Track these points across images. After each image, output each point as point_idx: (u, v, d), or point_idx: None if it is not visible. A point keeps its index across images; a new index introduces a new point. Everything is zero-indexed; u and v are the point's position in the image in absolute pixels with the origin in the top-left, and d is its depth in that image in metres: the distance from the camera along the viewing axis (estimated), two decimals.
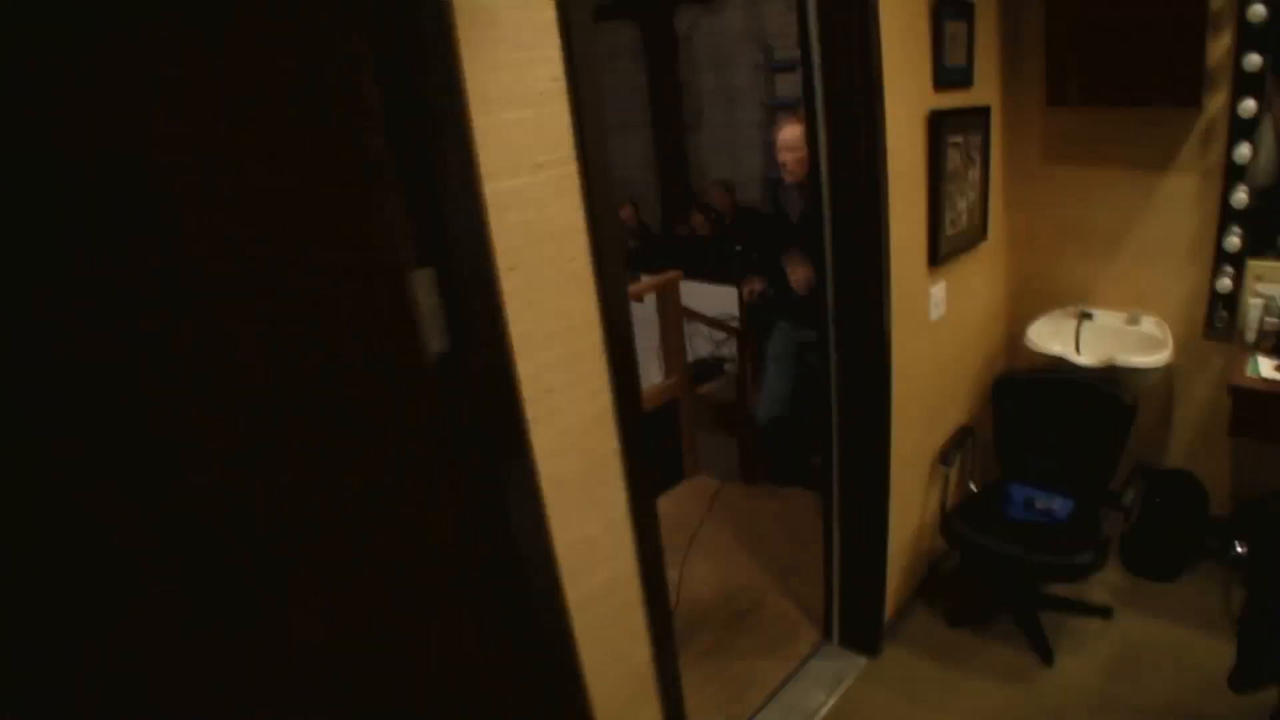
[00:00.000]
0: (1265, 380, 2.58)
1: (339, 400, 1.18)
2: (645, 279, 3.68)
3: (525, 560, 1.45)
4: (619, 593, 1.74)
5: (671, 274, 3.70)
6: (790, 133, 3.15)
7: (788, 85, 3.47)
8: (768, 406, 3.62)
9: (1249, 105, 2.73)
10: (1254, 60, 2.68)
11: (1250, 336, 2.83)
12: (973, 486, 3.02)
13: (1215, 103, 2.81)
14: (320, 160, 1.12)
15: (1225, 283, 2.90)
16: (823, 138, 2.27)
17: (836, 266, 2.37)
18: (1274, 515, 2.05)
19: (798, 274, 3.33)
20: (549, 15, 1.33)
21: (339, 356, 1.19)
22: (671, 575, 3.04)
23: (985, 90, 2.83)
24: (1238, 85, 2.74)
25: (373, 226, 1.19)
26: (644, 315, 3.54)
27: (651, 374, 3.70)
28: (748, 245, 3.92)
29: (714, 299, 4.07)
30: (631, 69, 6.28)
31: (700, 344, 4.16)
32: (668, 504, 3.68)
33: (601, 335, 1.54)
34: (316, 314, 1.15)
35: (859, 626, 2.78)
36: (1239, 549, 2.22)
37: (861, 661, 2.74)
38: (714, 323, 4.03)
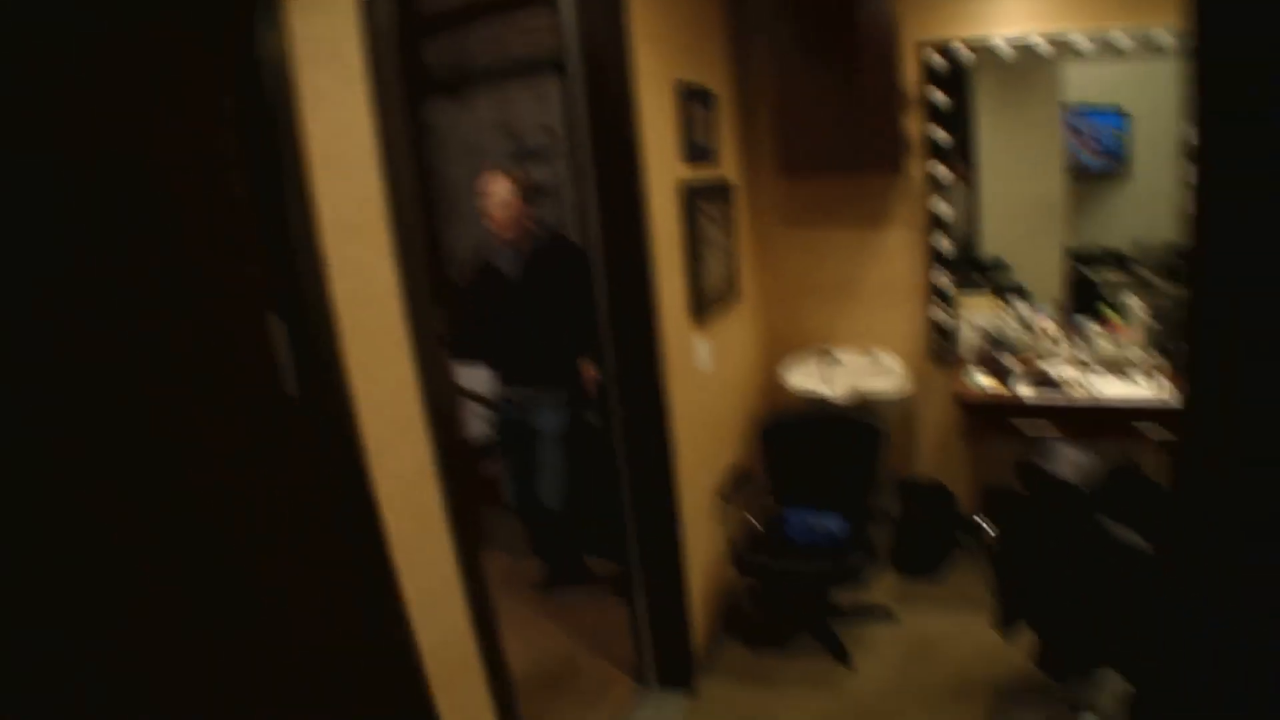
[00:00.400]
0: (983, 392, 3.06)
1: (190, 433, 1.21)
2: None
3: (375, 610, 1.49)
4: (455, 649, 1.78)
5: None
6: (494, 181, 3.06)
7: (537, 171, 3.70)
8: (548, 495, 3.35)
9: (939, 169, 3.29)
10: (938, 134, 3.26)
11: (966, 358, 3.34)
12: (754, 520, 3.23)
13: (915, 169, 3.34)
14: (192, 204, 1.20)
15: (941, 315, 3.42)
16: (595, 214, 2.50)
17: (614, 325, 2.57)
18: (1004, 494, 2.47)
19: (592, 372, 3.16)
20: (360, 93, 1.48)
21: (197, 389, 1.22)
22: None
23: (727, 165, 3.21)
24: (931, 154, 3.30)
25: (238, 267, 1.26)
26: None
27: None
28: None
29: (480, 379, 4.08)
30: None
31: (476, 425, 4.18)
32: None
33: (419, 392, 1.63)
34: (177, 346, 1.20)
35: (673, 666, 2.90)
36: (982, 524, 2.61)
37: (681, 700, 2.87)
38: (487, 401, 4.05)
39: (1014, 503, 2.32)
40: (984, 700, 2.66)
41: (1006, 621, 2.37)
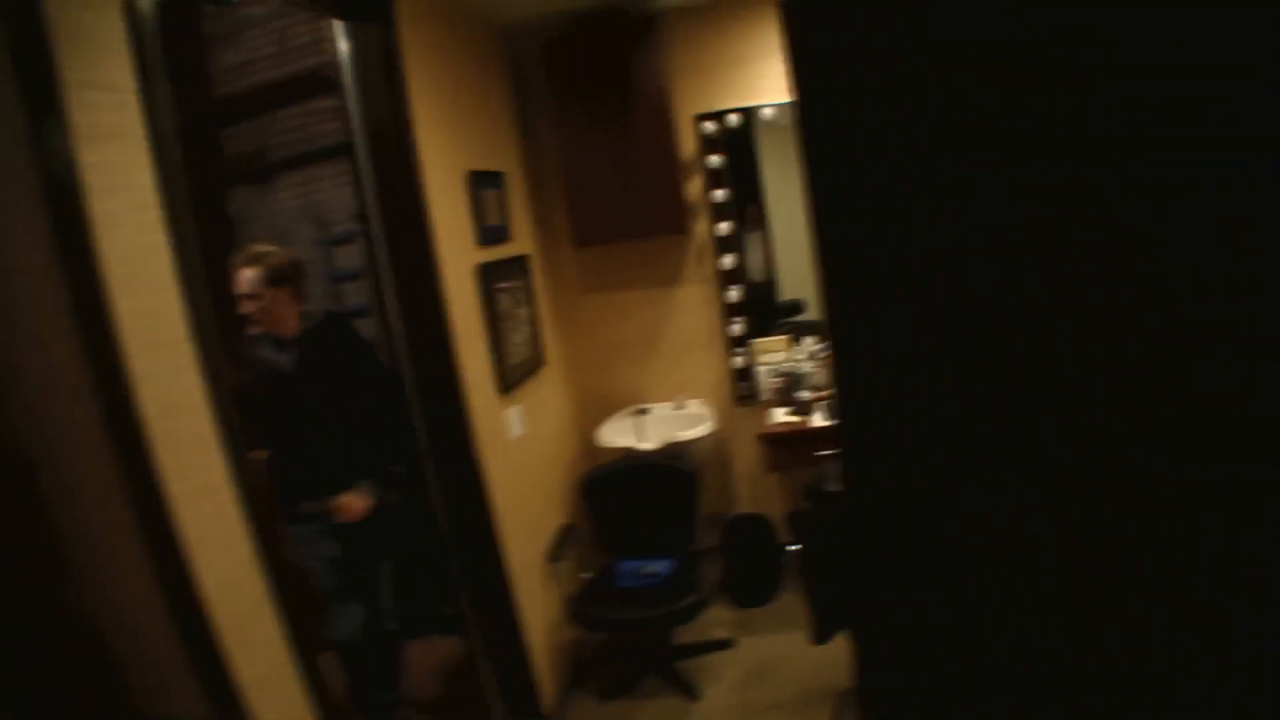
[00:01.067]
0: (782, 424, 3.33)
1: None
2: None
3: None
4: None
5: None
6: (238, 271, 2.71)
7: (346, 257, 3.76)
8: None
9: (723, 226, 3.58)
10: (718, 195, 3.56)
11: (766, 396, 3.62)
12: (586, 575, 3.35)
13: (700, 228, 3.64)
14: None
15: (739, 361, 3.70)
16: (394, 299, 2.61)
17: (422, 404, 2.66)
18: (800, 515, 2.70)
19: (354, 507, 2.75)
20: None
21: None
22: None
23: (522, 241, 3.39)
24: (715, 214, 3.59)
25: None
26: None
27: None
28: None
29: None
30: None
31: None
32: None
33: (234, 491, 1.65)
34: None
35: None
36: (792, 548, 2.83)
37: None
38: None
39: (806, 521, 2.55)
40: (826, 708, 2.85)
41: (823, 635, 2.57)
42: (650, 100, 3.39)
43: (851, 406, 1.05)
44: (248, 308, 2.72)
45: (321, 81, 3.52)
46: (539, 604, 3.07)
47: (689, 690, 3.08)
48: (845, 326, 1.04)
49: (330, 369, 2.82)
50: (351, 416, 2.80)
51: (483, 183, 3.01)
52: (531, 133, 3.62)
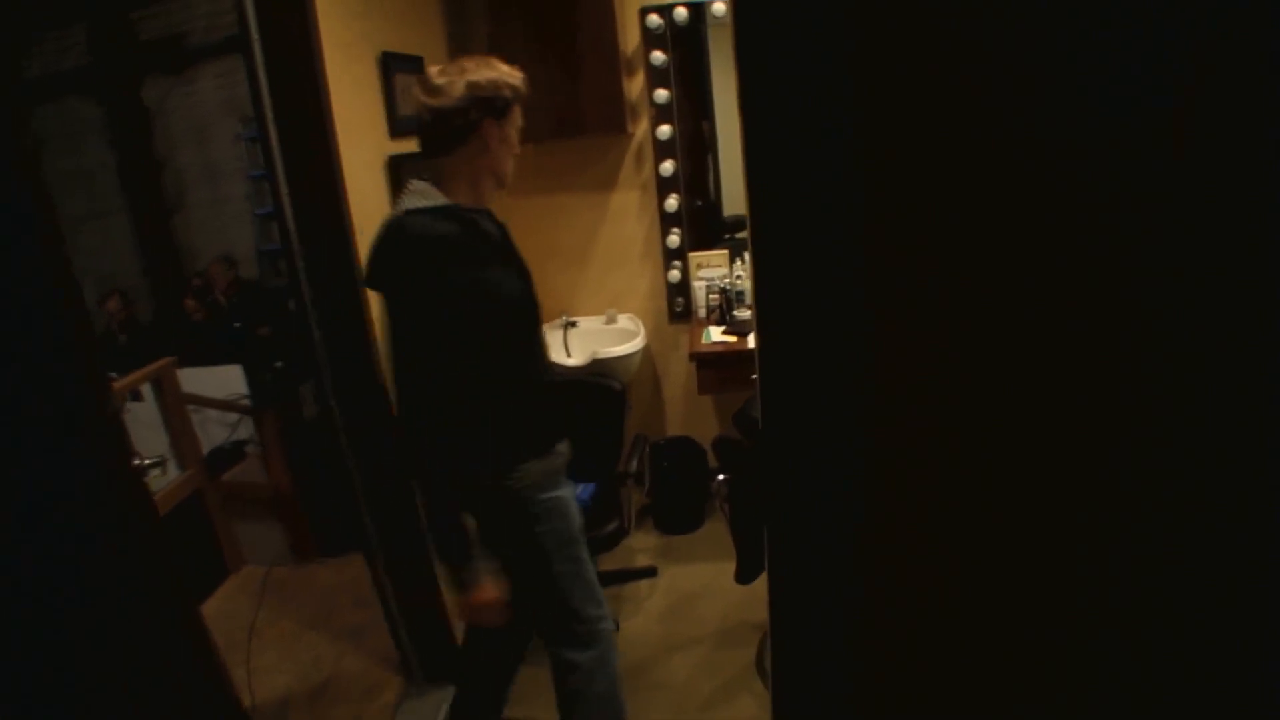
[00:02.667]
0: (717, 344, 3.14)
1: None
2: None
3: None
4: None
5: (161, 363, 3.42)
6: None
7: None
8: None
9: (664, 130, 3.32)
10: (661, 95, 3.28)
11: (702, 313, 3.42)
12: None
13: (640, 129, 3.36)
14: None
15: (675, 274, 3.48)
16: (287, 203, 2.33)
17: (320, 315, 2.41)
18: (732, 446, 2.53)
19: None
20: None
21: None
22: (240, 674, 2.87)
23: None
24: (656, 115, 3.32)
25: None
26: (146, 414, 3.28)
27: (171, 471, 3.41)
28: (249, 321, 3.71)
29: (220, 381, 3.85)
30: (98, 149, 5.72)
31: (215, 430, 3.90)
32: (217, 604, 3.43)
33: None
34: None
35: (437, 658, 2.83)
36: (720, 477, 2.67)
37: (451, 689, 2.80)
38: (225, 405, 3.81)
39: (733, 450, 2.39)
40: (748, 643, 2.75)
41: (747, 573, 2.43)
42: None
43: (770, 331, 0.86)
44: None
45: None
46: None
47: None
48: (770, 247, 0.84)
49: None
50: None
51: (399, 66, 2.70)
52: (459, 15, 3.28)
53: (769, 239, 0.84)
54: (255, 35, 2.21)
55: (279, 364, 3.50)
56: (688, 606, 3.02)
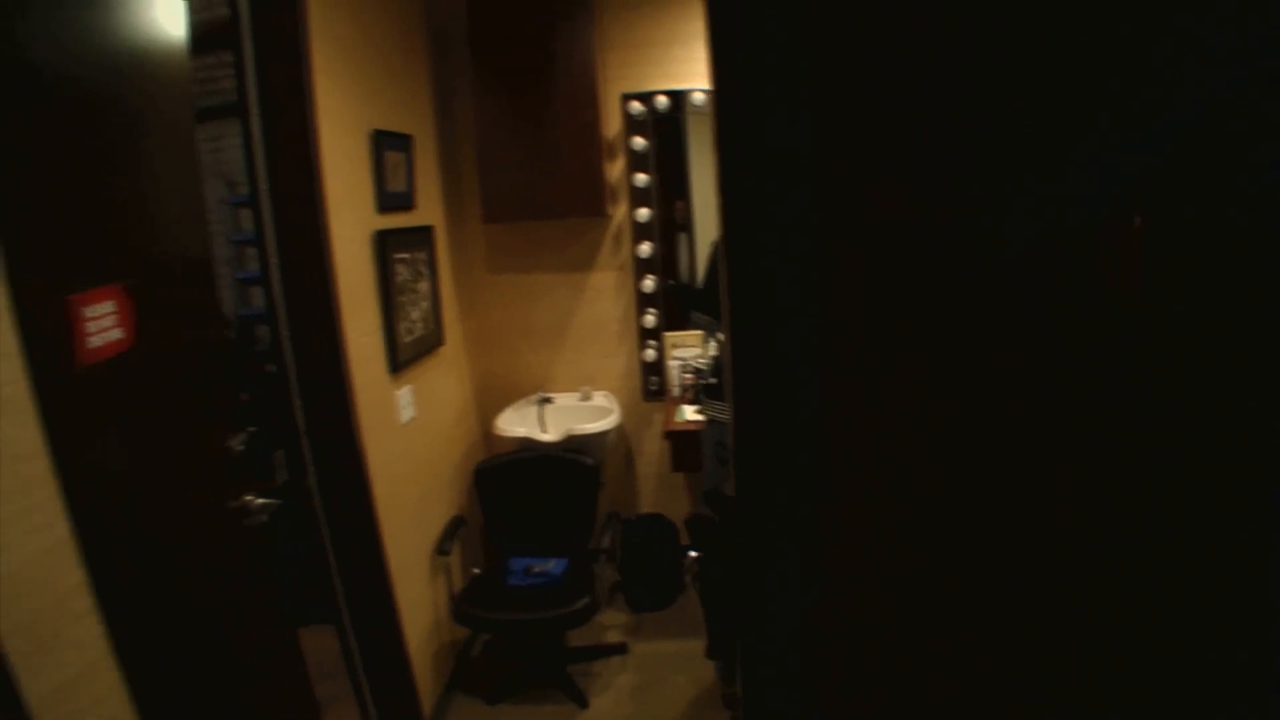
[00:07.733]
0: (690, 422, 3.19)
1: None
2: None
3: None
4: None
5: None
6: None
7: (251, 220, 3.49)
8: None
9: (643, 213, 3.43)
10: (641, 179, 3.40)
11: (676, 392, 3.48)
12: (475, 570, 3.19)
13: (619, 212, 3.47)
14: None
15: (650, 353, 3.55)
16: (275, 271, 2.37)
17: (301, 383, 2.44)
18: (703, 523, 2.55)
19: None
20: None
21: None
22: None
23: (428, 211, 3.16)
24: (634, 198, 3.43)
25: None
26: None
27: None
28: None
29: None
30: None
31: None
32: None
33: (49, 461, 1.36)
34: None
35: None
36: (691, 555, 2.69)
37: None
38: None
39: (704, 527, 2.41)
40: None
41: (718, 649, 2.43)
42: (577, 73, 3.20)
43: (744, 411, 0.91)
44: None
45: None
46: (423, 599, 2.88)
47: (578, 697, 2.93)
48: (744, 324, 0.90)
49: None
50: None
51: (388, 144, 2.79)
52: (448, 97, 3.40)
53: (741, 331, 0.90)
54: (255, 104, 2.29)
55: (252, 429, 3.48)
56: (658, 683, 3.00)
